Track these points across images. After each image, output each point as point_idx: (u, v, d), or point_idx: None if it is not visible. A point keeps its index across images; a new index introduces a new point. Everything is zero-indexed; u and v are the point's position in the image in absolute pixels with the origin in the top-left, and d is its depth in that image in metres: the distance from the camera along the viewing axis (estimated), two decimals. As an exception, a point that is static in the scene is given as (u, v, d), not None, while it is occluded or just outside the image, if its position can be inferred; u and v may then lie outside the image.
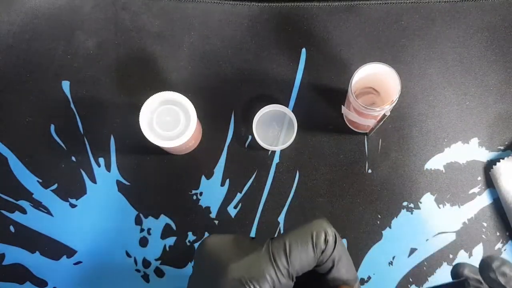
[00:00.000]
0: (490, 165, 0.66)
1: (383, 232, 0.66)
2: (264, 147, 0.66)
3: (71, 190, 0.67)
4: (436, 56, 0.68)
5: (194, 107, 0.60)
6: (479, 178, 0.66)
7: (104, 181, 0.67)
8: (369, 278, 0.65)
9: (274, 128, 0.67)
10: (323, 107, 0.68)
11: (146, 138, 0.60)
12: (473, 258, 0.65)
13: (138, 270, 0.66)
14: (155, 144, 0.60)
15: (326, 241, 0.42)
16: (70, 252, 0.66)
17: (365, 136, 0.67)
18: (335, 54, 0.68)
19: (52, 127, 0.68)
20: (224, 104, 0.68)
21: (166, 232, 0.66)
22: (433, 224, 0.66)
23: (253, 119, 0.66)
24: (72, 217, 0.66)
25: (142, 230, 0.66)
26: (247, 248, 0.43)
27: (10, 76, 0.68)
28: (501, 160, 0.65)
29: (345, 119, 0.67)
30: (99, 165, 0.67)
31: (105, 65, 0.69)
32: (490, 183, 0.66)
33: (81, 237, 0.66)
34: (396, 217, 0.66)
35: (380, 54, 0.68)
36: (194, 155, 0.67)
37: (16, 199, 0.66)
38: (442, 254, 0.65)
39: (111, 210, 0.66)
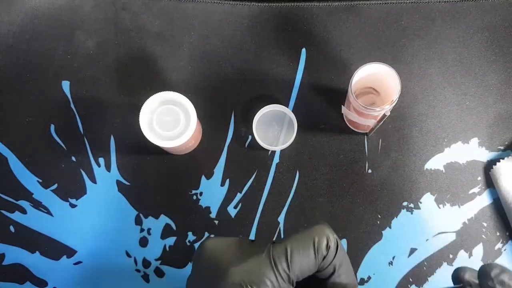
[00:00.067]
0: (490, 165, 0.66)
1: (383, 232, 0.66)
2: (264, 147, 0.66)
3: (71, 190, 0.67)
4: (436, 56, 0.68)
5: (194, 107, 0.60)
6: (479, 178, 0.66)
7: (104, 181, 0.67)
8: (369, 278, 0.65)
9: (274, 128, 0.67)
10: (323, 107, 0.68)
11: (146, 138, 0.60)
12: (473, 258, 0.65)
13: (138, 270, 0.66)
14: (155, 144, 0.60)
15: (328, 247, 0.42)
16: (70, 252, 0.66)
17: (365, 136, 0.67)
18: (335, 54, 0.68)
19: (52, 127, 0.68)
20: (224, 104, 0.68)
21: (166, 232, 0.66)
22: (433, 224, 0.66)
23: (253, 119, 0.66)
24: (72, 217, 0.66)
25: (142, 230, 0.66)
26: (247, 252, 0.42)
27: (10, 76, 0.68)
28: (501, 160, 0.65)
29: (345, 119, 0.67)
30: (99, 165, 0.67)
31: (105, 65, 0.69)
32: (490, 183, 0.66)
33: (81, 237, 0.66)
34: (396, 217, 0.66)
35: (380, 54, 0.68)
36: (194, 155, 0.67)
37: (16, 199, 0.66)
38: (442, 254, 0.65)
39: (111, 210, 0.66)
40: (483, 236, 0.65)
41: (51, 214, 0.66)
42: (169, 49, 0.69)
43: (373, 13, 0.69)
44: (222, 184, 0.67)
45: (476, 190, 0.66)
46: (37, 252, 0.66)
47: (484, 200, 0.66)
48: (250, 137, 0.68)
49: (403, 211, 0.66)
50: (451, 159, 0.67)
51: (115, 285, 0.65)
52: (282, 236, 0.66)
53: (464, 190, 0.66)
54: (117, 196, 0.66)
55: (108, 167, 0.67)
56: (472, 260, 0.65)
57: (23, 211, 0.66)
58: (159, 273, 0.66)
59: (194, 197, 0.67)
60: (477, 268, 0.62)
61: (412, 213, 0.66)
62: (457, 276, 0.47)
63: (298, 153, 0.67)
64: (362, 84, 0.63)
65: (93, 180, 0.67)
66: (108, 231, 0.66)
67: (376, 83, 0.64)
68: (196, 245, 0.66)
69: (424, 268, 0.65)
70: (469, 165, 0.67)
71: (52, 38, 0.69)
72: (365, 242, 0.65)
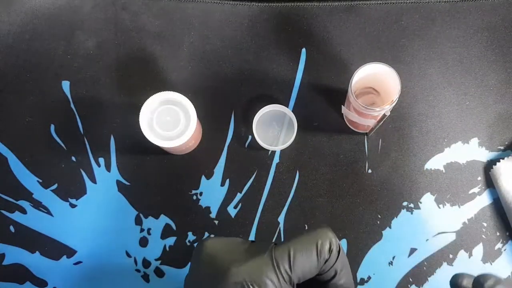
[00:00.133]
0: (490, 165, 0.66)
1: (383, 232, 0.66)
2: (264, 147, 0.66)
3: (71, 190, 0.67)
4: (436, 56, 0.68)
5: (194, 107, 0.60)
6: (479, 178, 0.66)
7: (104, 181, 0.67)
8: (369, 278, 0.65)
9: (274, 128, 0.67)
10: (323, 107, 0.68)
11: (146, 138, 0.60)
12: (473, 258, 0.65)
13: (138, 270, 0.66)
14: (155, 144, 0.60)
15: (330, 250, 0.42)
16: (70, 252, 0.66)
17: (365, 136, 0.67)
18: (335, 54, 0.68)
19: (52, 127, 0.68)
20: (224, 104, 0.68)
21: (166, 232, 0.66)
22: (433, 224, 0.66)
23: (253, 119, 0.66)
24: (72, 217, 0.66)
25: (142, 230, 0.66)
26: (248, 252, 0.43)
27: (10, 76, 0.68)
28: (501, 160, 0.65)
29: (345, 119, 0.67)
30: (99, 165, 0.67)
31: (105, 65, 0.69)
32: (490, 183, 0.66)
33: (81, 237, 0.66)
34: (396, 217, 0.66)
35: (380, 54, 0.68)
36: (194, 155, 0.67)
37: (16, 199, 0.66)
38: (442, 254, 0.65)
39: (111, 210, 0.66)
40: (483, 236, 0.65)
41: (51, 214, 0.66)
42: (169, 49, 0.69)
43: (373, 13, 0.69)
44: (222, 184, 0.67)
45: (476, 190, 0.66)
46: (37, 252, 0.66)
47: (484, 200, 0.66)
48: (250, 137, 0.68)
49: (403, 211, 0.66)
50: (451, 159, 0.67)
51: (115, 285, 0.65)
52: (282, 236, 0.66)
53: (464, 190, 0.66)
54: (117, 196, 0.66)
55: (108, 167, 0.67)
56: (472, 260, 0.65)
57: (23, 211, 0.66)
58: (159, 273, 0.66)
59: (194, 197, 0.67)
60: (476, 270, 0.63)
61: (412, 213, 0.66)
62: (455, 283, 0.47)
63: (298, 153, 0.67)
64: (362, 84, 0.63)
65: (93, 180, 0.67)
66: (108, 231, 0.66)
67: (376, 83, 0.64)
68: (196, 245, 0.66)
69: (424, 268, 0.65)
70: (469, 165, 0.67)
71: (52, 38, 0.69)
72: (365, 242, 0.65)
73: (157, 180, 0.67)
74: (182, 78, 0.68)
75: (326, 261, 0.42)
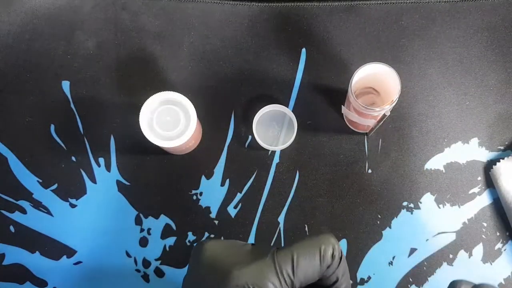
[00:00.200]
0: (490, 165, 0.66)
1: (383, 232, 0.66)
2: (264, 147, 0.66)
3: (71, 190, 0.67)
4: (436, 56, 0.68)
5: (194, 107, 0.60)
6: (479, 178, 0.66)
7: (104, 181, 0.67)
8: (369, 278, 0.65)
9: (274, 128, 0.67)
10: (323, 107, 0.68)
11: (146, 138, 0.60)
12: (473, 258, 0.65)
13: (138, 270, 0.66)
14: (155, 144, 0.60)
15: (333, 256, 0.43)
16: (70, 252, 0.66)
17: (365, 136, 0.67)
18: (335, 54, 0.68)
19: (52, 127, 0.68)
20: (224, 104, 0.68)
21: (166, 232, 0.66)
22: (433, 224, 0.66)
23: (253, 119, 0.66)
24: (72, 217, 0.66)
25: (142, 230, 0.66)
26: (249, 255, 0.43)
27: (10, 76, 0.68)
28: (501, 160, 0.65)
29: (345, 119, 0.67)
30: (99, 165, 0.67)
31: (105, 65, 0.69)
32: (490, 183, 0.66)
33: (81, 237, 0.66)
34: (396, 217, 0.66)
35: (380, 54, 0.68)
36: (194, 155, 0.67)
37: (16, 199, 0.66)
38: (442, 254, 0.65)
39: (111, 210, 0.66)
40: (483, 236, 0.65)
41: (51, 214, 0.66)
42: (169, 49, 0.69)
43: (373, 13, 0.69)
44: (222, 184, 0.67)
45: (476, 190, 0.66)
46: (37, 252, 0.66)
47: (484, 200, 0.66)
48: (250, 137, 0.68)
49: (403, 211, 0.66)
50: (451, 159, 0.67)
51: (115, 285, 0.65)
52: (282, 236, 0.66)
53: (464, 190, 0.66)
54: (117, 196, 0.66)
55: (108, 167, 0.67)
56: (472, 260, 0.65)
57: (23, 211, 0.66)
58: (159, 273, 0.66)
59: (194, 197, 0.67)
60: (476, 270, 0.63)
61: (412, 213, 0.66)
62: None
63: (298, 153, 0.67)
64: (362, 84, 0.63)
65: (93, 180, 0.67)
66: (108, 231, 0.66)
67: (376, 83, 0.64)
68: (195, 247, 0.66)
69: (424, 268, 0.65)
70: (469, 165, 0.67)
71: (52, 38, 0.69)
72: (365, 242, 0.65)
73: (157, 180, 0.67)
74: (182, 78, 0.68)
75: (329, 266, 0.43)
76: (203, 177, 0.67)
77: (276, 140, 0.67)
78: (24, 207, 0.66)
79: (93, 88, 0.68)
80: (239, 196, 0.66)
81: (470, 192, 0.66)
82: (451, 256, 0.65)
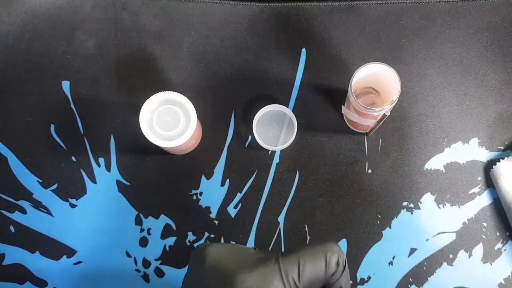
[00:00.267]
0: (490, 165, 0.66)
1: (383, 232, 0.66)
2: (264, 147, 0.66)
3: (71, 190, 0.67)
4: (436, 56, 0.68)
5: (194, 107, 0.60)
6: (479, 178, 0.66)
7: (104, 181, 0.67)
8: (369, 278, 0.65)
9: (274, 128, 0.67)
10: (323, 107, 0.68)
11: (146, 138, 0.60)
12: (473, 258, 0.65)
13: (138, 270, 0.66)
14: (155, 144, 0.60)
15: (337, 264, 0.43)
16: (70, 252, 0.66)
17: (365, 136, 0.67)
18: (335, 54, 0.68)
19: (52, 127, 0.68)
20: (224, 104, 0.68)
21: (166, 232, 0.66)
22: (433, 224, 0.66)
23: (253, 119, 0.66)
24: (72, 217, 0.66)
25: (142, 230, 0.66)
26: (253, 260, 0.43)
27: (10, 76, 0.68)
28: (501, 160, 0.65)
29: (345, 119, 0.67)
30: (99, 165, 0.67)
31: (105, 65, 0.69)
32: (490, 183, 0.66)
33: (81, 237, 0.66)
34: (396, 217, 0.66)
35: (380, 54, 0.68)
36: (194, 155, 0.67)
37: (16, 199, 0.66)
38: (442, 254, 0.65)
39: (111, 210, 0.66)
40: (483, 236, 0.65)
41: (51, 214, 0.66)
42: (169, 49, 0.69)
43: (373, 13, 0.69)
44: (222, 184, 0.67)
45: (476, 190, 0.66)
46: (37, 252, 0.66)
47: (484, 200, 0.66)
48: (250, 137, 0.68)
49: (403, 211, 0.66)
50: (451, 159, 0.67)
51: (115, 285, 0.65)
52: (282, 236, 0.66)
53: (464, 190, 0.66)
54: (117, 196, 0.66)
55: (108, 167, 0.67)
56: (472, 260, 0.65)
57: (23, 211, 0.66)
58: (159, 273, 0.66)
59: (194, 197, 0.67)
60: (476, 270, 0.63)
61: (412, 213, 0.66)
62: None
63: (298, 153, 0.67)
64: (362, 84, 0.63)
65: (93, 180, 0.67)
66: (108, 231, 0.66)
67: (376, 83, 0.64)
68: (196, 245, 0.66)
69: (424, 268, 0.65)
70: (469, 165, 0.67)
71: (52, 38, 0.69)
72: (365, 242, 0.65)
73: (157, 180, 0.67)
74: (182, 78, 0.68)
75: (333, 274, 0.43)
76: (203, 177, 0.67)
77: (276, 140, 0.67)
78: (24, 207, 0.66)
79: (93, 88, 0.68)
80: (239, 196, 0.66)
81: (470, 192, 0.66)
82: (451, 256, 0.65)
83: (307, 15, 0.69)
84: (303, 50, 0.69)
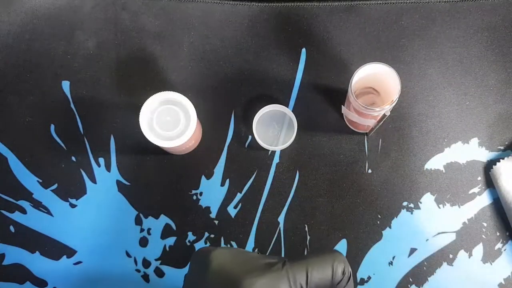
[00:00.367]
0: (490, 165, 0.66)
1: (383, 232, 0.66)
2: (264, 147, 0.66)
3: (71, 190, 0.67)
4: (436, 56, 0.68)
5: (194, 107, 0.60)
6: (479, 178, 0.66)
7: (104, 181, 0.67)
8: (369, 278, 0.65)
9: (274, 128, 0.67)
10: (323, 107, 0.68)
11: (146, 138, 0.60)
12: (473, 258, 0.65)
13: (138, 270, 0.66)
14: (155, 144, 0.60)
15: (343, 273, 0.44)
16: (70, 252, 0.66)
17: (365, 136, 0.67)
18: (335, 54, 0.68)
19: (52, 127, 0.68)
20: (224, 104, 0.68)
21: (166, 232, 0.66)
22: (433, 224, 0.66)
23: (253, 119, 0.66)
24: (72, 217, 0.66)
25: (142, 230, 0.66)
26: (259, 265, 0.43)
27: (10, 76, 0.68)
28: (501, 160, 0.65)
29: (345, 119, 0.67)
30: (99, 165, 0.67)
31: (105, 65, 0.69)
32: (490, 183, 0.66)
33: (81, 237, 0.66)
34: (396, 217, 0.66)
35: (380, 54, 0.68)
36: (194, 155, 0.67)
37: (16, 199, 0.66)
38: (442, 254, 0.65)
39: (111, 210, 0.66)
40: (483, 236, 0.65)
41: (51, 214, 0.66)
42: (169, 49, 0.69)
43: (373, 13, 0.69)
44: (222, 184, 0.67)
45: (476, 190, 0.66)
46: (37, 252, 0.66)
47: (484, 200, 0.66)
48: (250, 137, 0.68)
49: (403, 211, 0.66)
50: (451, 159, 0.67)
51: (115, 285, 0.65)
52: (282, 236, 0.66)
53: (464, 190, 0.66)
54: (117, 196, 0.66)
55: (108, 167, 0.67)
56: (472, 260, 0.65)
57: (23, 211, 0.66)
58: (159, 273, 0.66)
59: (194, 197, 0.67)
60: (476, 270, 0.63)
61: (412, 213, 0.66)
62: None
63: (298, 153, 0.67)
64: (362, 84, 0.63)
65: (93, 180, 0.67)
66: (108, 231, 0.66)
67: (376, 83, 0.64)
68: (196, 245, 0.66)
69: (424, 268, 0.65)
70: (469, 165, 0.67)
71: (52, 38, 0.69)
72: (365, 242, 0.65)
73: (157, 180, 0.67)
74: (182, 78, 0.68)
75: (338, 283, 0.44)
76: (203, 177, 0.67)
77: (276, 140, 0.67)
78: (24, 207, 0.66)
79: (93, 88, 0.68)
80: (239, 196, 0.66)
81: (470, 192, 0.66)
82: (451, 256, 0.65)
83: (307, 15, 0.69)
84: (303, 50, 0.69)
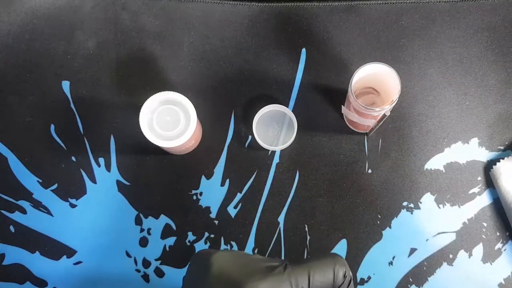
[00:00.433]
0: (490, 165, 0.66)
1: (383, 232, 0.66)
2: (264, 147, 0.66)
3: (71, 190, 0.67)
4: (436, 56, 0.68)
5: (194, 107, 0.60)
6: (479, 178, 0.66)
7: (104, 181, 0.67)
8: (369, 278, 0.65)
9: (274, 128, 0.67)
10: (323, 107, 0.68)
11: (146, 138, 0.60)
12: (473, 258, 0.65)
13: (138, 270, 0.66)
14: (155, 144, 0.60)
15: (344, 276, 0.45)
16: (70, 252, 0.66)
17: (365, 136, 0.67)
18: (335, 54, 0.68)
19: (52, 127, 0.68)
20: (224, 104, 0.68)
21: (166, 232, 0.66)
22: (433, 224, 0.66)
23: (253, 119, 0.66)
24: (72, 217, 0.66)
25: (142, 230, 0.66)
26: (261, 268, 0.43)
27: (10, 76, 0.68)
28: (501, 160, 0.65)
29: (345, 119, 0.67)
30: (99, 165, 0.67)
31: (105, 65, 0.69)
32: (490, 183, 0.66)
33: (81, 237, 0.66)
34: (396, 217, 0.66)
35: (380, 54, 0.68)
36: (194, 155, 0.67)
37: (16, 199, 0.66)
38: (442, 254, 0.65)
39: (111, 210, 0.66)
40: (483, 236, 0.65)
41: (51, 214, 0.66)
42: (169, 49, 0.69)
43: (373, 13, 0.69)
44: (222, 184, 0.67)
45: (476, 190, 0.66)
46: (37, 252, 0.66)
47: (484, 200, 0.66)
48: (250, 137, 0.68)
49: (403, 211, 0.66)
50: (451, 159, 0.67)
51: (115, 285, 0.65)
52: (282, 236, 0.66)
53: (464, 190, 0.66)
54: (117, 196, 0.66)
55: (108, 167, 0.67)
56: (472, 260, 0.65)
57: (23, 211, 0.66)
58: (159, 273, 0.66)
59: (194, 197, 0.67)
60: (476, 270, 0.63)
61: (412, 213, 0.66)
62: None
63: (298, 153, 0.67)
64: (362, 84, 0.63)
65: (93, 180, 0.67)
66: (108, 231, 0.66)
67: (376, 83, 0.64)
68: (196, 245, 0.66)
69: (424, 268, 0.65)
70: (469, 165, 0.66)
71: (52, 38, 0.69)
72: (365, 242, 0.65)
73: (157, 180, 0.67)
74: (182, 78, 0.68)
75: (339, 286, 0.44)
76: (203, 177, 0.67)
77: (276, 140, 0.67)
78: (24, 207, 0.66)
79: (93, 88, 0.68)
80: (239, 196, 0.66)
81: (470, 192, 0.66)
82: (451, 256, 0.65)
83: (307, 15, 0.69)
84: (303, 50, 0.69)
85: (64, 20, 0.69)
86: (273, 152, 0.67)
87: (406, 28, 0.68)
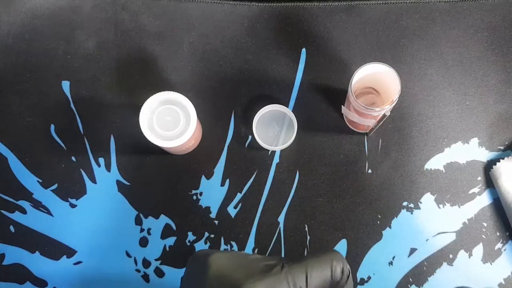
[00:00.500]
0: (490, 165, 0.66)
1: (383, 232, 0.66)
2: (264, 147, 0.66)
3: (71, 190, 0.67)
4: (436, 56, 0.68)
5: (194, 107, 0.60)
6: (479, 178, 0.66)
7: (104, 181, 0.67)
8: (369, 278, 0.65)
9: (274, 128, 0.67)
10: (323, 107, 0.68)
11: (146, 138, 0.60)
12: (473, 258, 0.65)
13: (138, 270, 0.66)
14: (155, 144, 0.60)
15: (342, 272, 0.44)
16: (70, 252, 0.66)
17: (365, 136, 0.67)
18: (335, 54, 0.68)
19: (52, 127, 0.68)
20: (224, 104, 0.68)
21: (166, 232, 0.66)
22: (433, 224, 0.66)
23: (253, 119, 0.66)
24: (72, 217, 0.66)
25: (142, 230, 0.66)
26: (259, 268, 0.43)
27: (10, 76, 0.68)
28: (501, 160, 0.65)
29: (345, 119, 0.67)
30: (99, 165, 0.67)
31: (105, 65, 0.69)
32: (490, 183, 0.66)
33: (81, 237, 0.66)
34: (396, 217, 0.66)
35: (380, 54, 0.68)
36: (194, 155, 0.67)
37: (16, 199, 0.66)
38: (442, 254, 0.65)
39: (111, 210, 0.66)
40: (483, 236, 0.65)
41: (51, 214, 0.66)
42: (169, 49, 0.69)
43: (373, 13, 0.69)
44: (222, 184, 0.67)
45: (476, 190, 0.66)
46: (37, 252, 0.66)
47: (484, 200, 0.66)
48: (250, 137, 0.68)
49: (403, 211, 0.66)
50: (451, 159, 0.67)
51: (115, 285, 0.65)
52: (282, 236, 0.66)
53: (464, 190, 0.66)
54: (117, 196, 0.66)
55: (108, 167, 0.67)
56: (472, 260, 0.65)
57: (23, 211, 0.66)
58: (159, 273, 0.66)
59: (194, 197, 0.67)
60: (476, 270, 0.63)
61: (412, 213, 0.66)
62: None
63: (298, 153, 0.67)
64: (362, 84, 0.63)
65: (93, 180, 0.67)
66: (108, 231, 0.66)
67: (376, 83, 0.64)
68: (196, 245, 0.66)
69: (424, 268, 0.65)
70: (469, 165, 0.66)
71: (52, 38, 0.69)
72: (365, 242, 0.65)
73: (157, 180, 0.67)
74: (182, 78, 0.68)
75: (338, 282, 0.44)
76: (203, 177, 0.67)
77: (276, 140, 0.67)
78: (24, 207, 0.66)
79: (93, 88, 0.68)
80: (239, 196, 0.66)
81: (470, 192, 0.66)
82: (451, 256, 0.65)
83: (307, 15, 0.69)
84: (303, 50, 0.69)
85: (64, 20, 0.69)
86: (273, 152, 0.67)
87: (406, 28, 0.68)
